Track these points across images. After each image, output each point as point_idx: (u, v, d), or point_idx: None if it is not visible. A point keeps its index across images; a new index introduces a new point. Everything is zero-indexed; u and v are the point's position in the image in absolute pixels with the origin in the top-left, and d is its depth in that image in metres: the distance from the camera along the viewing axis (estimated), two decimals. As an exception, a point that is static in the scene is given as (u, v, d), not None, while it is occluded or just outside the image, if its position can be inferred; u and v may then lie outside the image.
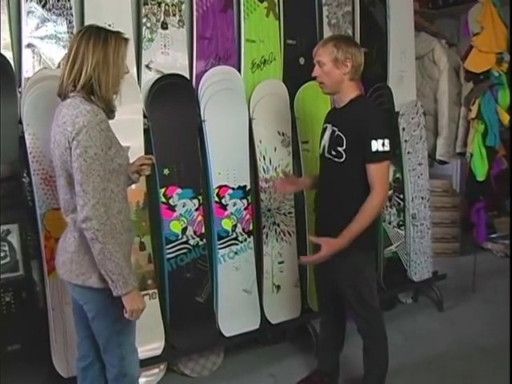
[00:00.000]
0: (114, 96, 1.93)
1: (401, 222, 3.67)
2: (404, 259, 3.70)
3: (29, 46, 2.47)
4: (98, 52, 1.83)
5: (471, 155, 3.80)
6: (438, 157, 4.18)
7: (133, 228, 2.05)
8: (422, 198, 3.75)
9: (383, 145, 2.23)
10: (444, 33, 4.45)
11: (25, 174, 2.50)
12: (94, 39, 1.84)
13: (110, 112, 1.91)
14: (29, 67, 2.48)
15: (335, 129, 2.35)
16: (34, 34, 2.47)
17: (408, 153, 3.65)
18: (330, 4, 3.35)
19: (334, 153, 2.34)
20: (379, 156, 2.23)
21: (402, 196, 3.66)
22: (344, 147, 2.29)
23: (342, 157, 2.31)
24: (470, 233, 4.32)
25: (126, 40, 1.93)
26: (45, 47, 2.50)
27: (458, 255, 4.93)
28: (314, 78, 2.41)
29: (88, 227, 1.75)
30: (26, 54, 2.47)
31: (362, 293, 2.42)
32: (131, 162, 2.13)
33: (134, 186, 2.62)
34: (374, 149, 2.22)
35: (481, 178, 3.79)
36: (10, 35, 2.42)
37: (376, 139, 2.22)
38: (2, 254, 2.38)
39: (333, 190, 2.36)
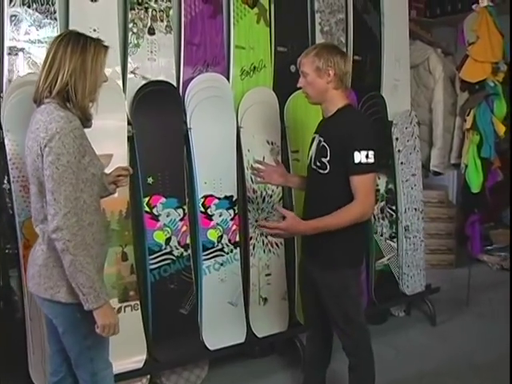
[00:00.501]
0: (91, 104, 1.90)
1: (393, 234, 3.63)
2: (396, 272, 3.67)
3: (11, 50, 2.44)
4: (76, 58, 1.80)
5: (466, 166, 3.77)
6: (432, 168, 4.14)
7: (106, 241, 2.01)
8: (415, 209, 3.71)
9: (367, 156, 2.17)
10: (440, 42, 4.43)
11: (5, 181, 2.46)
12: (73, 45, 1.81)
13: (85, 120, 1.89)
14: (11, 72, 2.45)
15: (321, 139, 2.31)
16: (17, 38, 2.44)
17: (401, 163, 3.62)
18: (322, 11, 3.32)
19: (318, 164, 2.30)
20: (362, 168, 2.17)
21: (394, 207, 3.62)
22: (328, 158, 2.25)
23: (326, 168, 2.26)
24: (465, 245, 4.27)
25: (106, 48, 1.90)
26: (28, 52, 2.47)
27: (453, 267, 4.89)
28: (295, 87, 2.40)
29: (59, 237, 1.72)
30: (8, 58, 2.44)
31: (347, 310, 2.37)
32: (110, 171, 2.10)
33: (116, 194, 2.58)
34: (356, 160, 2.16)
35: (476, 189, 3.75)
36: (-9, 39, 2.39)
37: (359, 150, 2.16)
38: (-21, 263, 2.35)
39: (317, 201, 2.32)
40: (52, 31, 2.49)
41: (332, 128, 2.29)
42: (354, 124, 2.27)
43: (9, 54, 2.44)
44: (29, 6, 2.45)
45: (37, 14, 2.47)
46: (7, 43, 2.43)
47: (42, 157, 1.74)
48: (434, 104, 4.08)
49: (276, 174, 2.64)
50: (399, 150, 3.60)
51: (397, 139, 3.59)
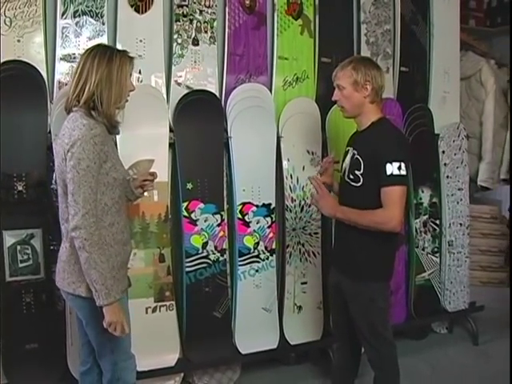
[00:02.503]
0: (117, 112, 2.08)
1: (436, 249, 3.67)
2: (437, 287, 3.70)
3: (62, 59, 2.67)
4: (102, 69, 1.99)
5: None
6: (479, 182, 4.15)
7: (129, 241, 2.19)
8: (461, 224, 3.74)
9: (399, 168, 2.23)
10: (495, 52, 4.41)
11: (53, 182, 2.68)
12: (100, 57, 2.00)
13: (112, 127, 2.07)
14: (61, 80, 2.68)
15: (355, 152, 2.40)
16: (68, 49, 2.68)
17: (447, 177, 3.66)
18: (368, 22, 3.42)
19: (352, 176, 2.39)
20: (394, 180, 2.24)
21: (438, 222, 3.66)
22: (361, 171, 2.33)
23: (359, 181, 2.35)
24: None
25: (131, 58, 2.09)
26: (77, 61, 2.68)
27: (505, 286, 4.82)
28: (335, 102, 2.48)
29: (77, 236, 1.90)
30: (60, 67, 2.68)
31: (374, 322, 2.44)
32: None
33: (156, 198, 2.81)
34: (388, 172, 2.23)
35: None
36: (44, 49, 2.63)
37: (391, 162, 2.23)
38: (25, 257, 2.59)
39: None
40: (101, 42, 2.70)
41: (365, 141, 2.38)
42: (386, 136, 2.34)
43: (60, 62, 2.67)
44: (79, 19, 2.68)
45: (86, 25, 2.70)
46: (58, 52, 2.67)
47: (65, 161, 1.93)
48: (485, 117, 4.09)
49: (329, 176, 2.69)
50: (445, 164, 3.65)
51: (443, 152, 3.64)
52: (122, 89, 2.05)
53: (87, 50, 2.09)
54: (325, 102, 3.23)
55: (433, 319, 3.80)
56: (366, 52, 3.41)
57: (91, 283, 1.93)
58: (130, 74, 2.10)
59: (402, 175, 2.25)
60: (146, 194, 2.36)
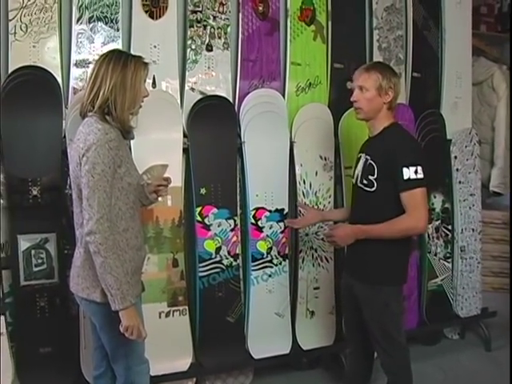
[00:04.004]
0: (131, 117, 2.05)
1: (448, 254, 3.61)
2: (450, 293, 3.64)
3: (77, 65, 2.66)
4: (117, 75, 1.97)
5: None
6: (491, 188, 4.09)
7: (143, 247, 2.16)
8: (473, 229, 3.69)
9: (416, 172, 2.22)
10: (506, 58, 4.35)
11: (68, 187, 2.66)
12: (114, 63, 1.98)
13: (126, 132, 2.04)
14: (76, 85, 2.66)
15: (367, 157, 2.37)
16: (83, 54, 2.66)
17: (459, 182, 3.61)
18: (381, 28, 3.38)
19: (365, 182, 2.36)
20: (412, 184, 2.22)
21: (450, 227, 3.61)
22: (375, 176, 2.31)
23: (373, 186, 2.32)
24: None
25: (146, 64, 2.06)
26: (91, 67, 2.67)
27: (517, 292, 4.76)
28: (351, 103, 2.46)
29: (92, 240, 1.87)
30: (75, 72, 2.66)
31: (387, 327, 2.40)
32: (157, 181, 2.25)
33: (169, 203, 2.78)
34: (405, 177, 2.21)
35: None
36: (60, 55, 2.62)
37: (408, 167, 2.22)
38: (39, 261, 2.57)
39: (364, 219, 2.36)
40: (115, 47, 2.68)
41: (379, 146, 2.35)
42: (400, 141, 2.33)
43: (75, 67, 2.65)
44: (94, 25, 2.66)
45: (101, 31, 2.68)
46: (74, 58, 2.65)
47: (80, 165, 1.91)
48: (497, 122, 4.04)
49: (309, 215, 2.72)
50: (457, 169, 3.60)
51: (455, 158, 3.59)
52: (136, 94, 2.02)
53: (102, 55, 2.07)
54: (337, 107, 3.22)
55: (445, 325, 3.74)
56: (378, 58, 3.38)
57: (106, 288, 1.90)
58: (145, 80, 2.07)
59: (420, 178, 2.24)
60: (160, 199, 2.33)
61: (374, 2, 3.35)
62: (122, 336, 1.95)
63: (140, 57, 2.07)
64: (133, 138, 2.12)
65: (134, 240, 2.04)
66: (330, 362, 3.34)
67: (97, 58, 2.60)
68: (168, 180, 2.26)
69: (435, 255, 3.56)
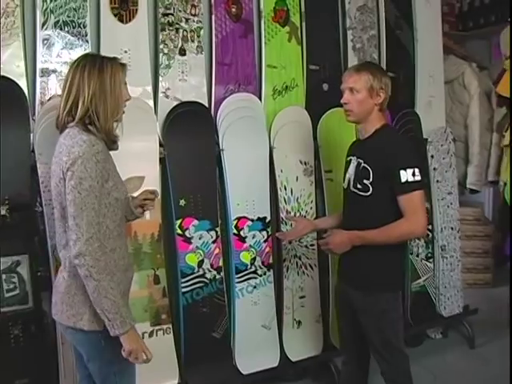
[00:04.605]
0: (115, 125, 1.86)
1: (429, 254, 3.51)
2: (432, 293, 3.55)
3: (43, 73, 2.43)
4: (94, 82, 1.76)
5: (505, 184, 3.63)
6: (468, 185, 4.01)
7: (131, 267, 1.96)
8: (452, 228, 3.60)
9: (413, 174, 2.10)
10: (474, 56, 4.30)
11: (38, 204, 2.44)
12: (89, 68, 1.77)
13: (111, 142, 1.84)
14: (44, 95, 2.44)
15: (360, 161, 2.23)
16: (50, 61, 2.44)
17: (437, 181, 3.51)
18: (354, 28, 3.25)
19: (359, 186, 2.22)
20: (410, 186, 2.10)
21: (430, 227, 3.50)
22: (370, 180, 2.17)
23: (368, 190, 2.18)
24: (503, 264, 4.12)
25: (123, 65, 1.87)
26: (60, 74, 2.46)
27: (491, 286, 4.72)
28: (340, 105, 2.33)
29: (81, 263, 1.67)
30: (41, 81, 2.43)
31: (387, 335, 2.28)
32: (137, 194, 2.06)
33: (148, 216, 2.58)
34: (403, 179, 2.09)
35: (515, 208, 3.62)
36: (24, 62, 2.38)
37: (405, 169, 2.10)
38: (11, 286, 2.33)
39: (359, 225, 2.21)
40: (83, 53, 2.45)
41: (372, 149, 2.21)
42: (396, 143, 2.21)
43: (41, 76, 2.43)
44: (61, 29, 2.45)
45: (69, 36, 2.47)
46: (39, 66, 2.42)
47: (64, 181, 1.71)
48: (470, 120, 3.95)
49: (301, 225, 2.54)
50: (435, 168, 3.50)
51: (432, 157, 3.50)
52: (118, 99, 1.82)
53: (74, 61, 1.86)
54: (314, 110, 3.08)
55: (429, 325, 3.63)
56: (353, 58, 3.25)
57: (103, 313, 1.69)
58: (125, 83, 1.87)
59: (418, 181, 2.12)
60: (147, 216, 2.13)
61: (346, 2, 3.22)
62: (112, 365, 1.78)
63: (115, 58, 1.87)
64: (117, 149, 1.90)
65: (122, 260, 1.84)
66: (317, 371, 3.18)
67: (64, 65, 2.45)
68: (155, 193, 2.07)
69: (417, 256, 3.46)
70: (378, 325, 2.26)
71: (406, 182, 2.10)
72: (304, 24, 3.07)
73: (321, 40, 3.14)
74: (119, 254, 1.82)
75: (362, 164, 2.22)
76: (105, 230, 1.75)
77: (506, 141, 3.61)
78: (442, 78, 3.63)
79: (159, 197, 2.13)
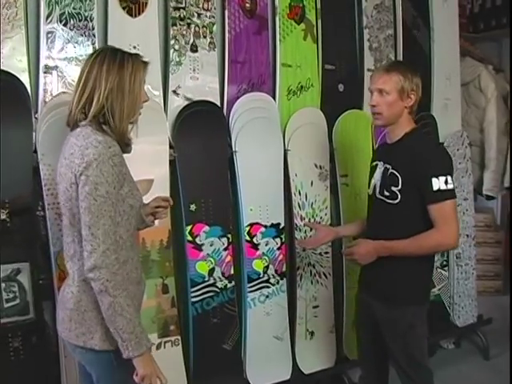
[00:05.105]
0: (130, 127, 1.67)
1: (444, 263, 3.34)
2: (447, 302, 3.37)
3: (47, 68, 2.23)
4: (113, 78, 1.58)
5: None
6: (485, 191, 3.82)
7: (142, 280, 1.77)
8: (467, 235, 3.42)
9: (446, 182, 1.93)
10: (491, 58, 4.12)
11: (39, 208, 2.25)
12: (109, 63, 1.59)
13: (124, 145, 1.66)
14: (47, 92, 2.24)
15: (388, 166, 2.05)
16: (53, 56, 2.24)
17: (453, 187, 3.32)
18: (371, 27, 3.07)
19: (387, 193, 2.03)
20: (442, 195, 1.93)
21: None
22: (399, 187, 1.99)
23: (396, 198, 2.00)
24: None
25: (145, 64, 1.68)
26: (65, 70, 2.26)
27: (501, 294, 4.54)
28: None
29: (97, 277, 1.49)
30: (45, 77, 2.23)
31: (412, 351, 2.11)
32: (149, 200, 1.87)
33: (156, 222, 2.36)
34: (435, 187, 1.92)
35: (533, 215, 3.44)
36: (27, 57, 2.18)
37: (437, 176, 1.92)
38: (11, 296, 2.14)
39: (385, 236, 2.04)
40: (90, 48, 2.28)
41: (402, 154, 2.03)
42: (428, 148, 2.03)
43: (45, 72, 2.23)
44: (66, 23, 2.24)
45: (74, 30, 2.26)
46: (43, 62, 2.22)
47: (76, 186, 1.53)
48: (487, 124, 3.77)
49: (322, 233, 2.38)
50: (451, 174, 3.31)
51: (448, 161, 3.30)
52: (136, 100, 1.64)
53: (93, 53, 1.68)
54: (329, 111, 2.89)
55: (444, 335, 3.45)
56: (369, 58, 3.07)
57: (117, 332, 1.51)
58: (144, 81, 1.68)
59: (450, 189, 1.95)
60: (156, 222, 1.94)
61: (363, 0, 3.03)
62: None
63: (138, 55, 1.68)
64: (130, 152, 1.72)
65: (134, 272, 1.66)
66: (330, 383, 3.00)
67: (68, 61, 2.25)
68: (168, 201, 1.89)
69: (432, 264, 3.26)
70: (404, 340, 2.09)
71: (439, 190, 1.93)
72: (320, 22, 2.88)
73: (337, 39, 2.96)
74: (131, 265, 1.64)
75: (390, 170, 2.04)
76: (118, 239, 1.57)
77: (526, 146, 3.44)
78: (458, 80, 3.46)
79: (171, 203, 1.92)
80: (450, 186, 1.94)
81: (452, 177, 1.96)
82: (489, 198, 3.93)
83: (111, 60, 1.60)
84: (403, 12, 3.17)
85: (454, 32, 3.45)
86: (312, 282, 2.84)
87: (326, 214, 2.86)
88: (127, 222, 1.61)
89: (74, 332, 1.61)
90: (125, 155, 1.68)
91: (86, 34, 2.30)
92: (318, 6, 2.88)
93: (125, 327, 1.51)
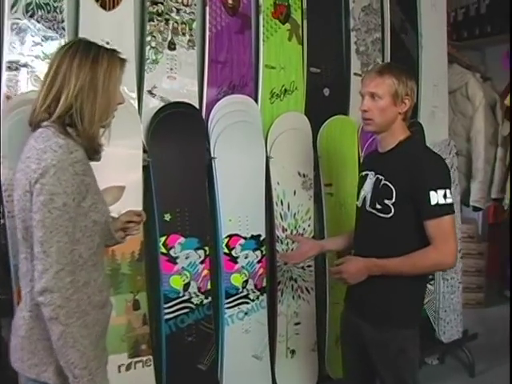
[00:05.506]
0: (101, 131, 1.47)
1: (431, 276, 3.18)
2: (432, 317, 3.22)
3: (11, 64, 2.02)
4: (84, 74, 1.39)
5: (511, 202, 3.32)
6: (472, 203, 3.68)
7: (109, 301, 1.56)
8: (454, 248, 3.27)
9: (445, 196, 1.76)
10: (478, 66, 4.00)
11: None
12: (81, 57, 1.40)
13: (93, 152, 1.46)
14: (11, 89, 2.02)
15: (380, 177, 1.88)
16: (19, 51, 2.02)
17: (440, 198, 3.18)
18: (358, 29, 2.91)
19: (378, 206, 1.86)
20: (440, 210, 1.76)
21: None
22: (393, 200, 1.82)
23: (389, 211, 1.83)
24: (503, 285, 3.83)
25: (123, 61, 1.50)
26: (31, 66, 2.05)
27: (483, 306, 4.43)
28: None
29: (47, 302, 1.29)
30: (7, 73, 2.01)
31: (403, 375, 1.93)
32: (120, 214, 1.68)
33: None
34: (433, 201, 1.75)
35: (522, 227, 3.31)
36: (-13, 52, 1.97)
37: (435, 190, 1.76)
38: (-35, 312, 1.93)
39: (376, 252, 1.86)
40: (59, 43, 2.06)
41: (396, 164, 1.86)
42: (425, 159, 1.86)
43: (8, 68, 2.01)
44: (32, 14, 2.03)
45: (42, 22, 2.05)
46: (7, 57, 2.01)
47: (30, 195, 1.32)
48: (474, 133, 3.63)
49: (306, 246, 2.18)
50: (437, 184, 3.17)
51: (435, 171, 3.16)
52: (110, 100, 1.45)
53: (64, 45, 1.48)
54: (314, 116, 2.72)
55: (428, 353, 3.30)
56: (356, 62, 2.90)
57: (67, 366, 1.32)
58: (120, 81, 1.49)
59: (449, 204, 1.78)
60: (127, 238, 1.74)
61: (350, 1, 2.87)
62: None
63: (114, 50, 1.49)
64: (99, 160, 1.52)
65: (98, 295, 1.45)
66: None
67: (34, 57, 2.05)
68: (141, 215, 1.69)
69: (418, 278, 3.12)
70: (395, 364, 1.92)
71: (437, 204, 1.76)
72: (305, 22, 2.72)
73: (323, 40, 2.79)
74: (94, 288, 1.44)
75: (383, 181, 1.86)
76: (77, 259, 1.37)
77: (516, 157, 3.31)
78: (446, 87, 3.32)
79: (145, 219, 1.72)
80: (449, 200, 1.78)
81: (451, 190, 1.80)
82: (476, 209, 3.80)
83: (84, 54, 1.41)
84: (391, 15, 3.02)
85: (442, 37, 3.32)
86: (294, 298, 2.66)
87: (309, 226, 2.69)
88: (89, 239, 1.41)
89: (27, 363, 1.40)
90: (92, 162, 1.49)
91: (55, 26, 2.08)
92: (304, 5, 2.71)
93: (77, 361, 1.31)
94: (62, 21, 2.09)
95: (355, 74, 2.89)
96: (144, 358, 2.27)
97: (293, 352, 2.67)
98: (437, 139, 3.22)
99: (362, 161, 2.10)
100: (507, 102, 3.30)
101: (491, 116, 3.67)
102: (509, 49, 3.37)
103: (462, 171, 3.69)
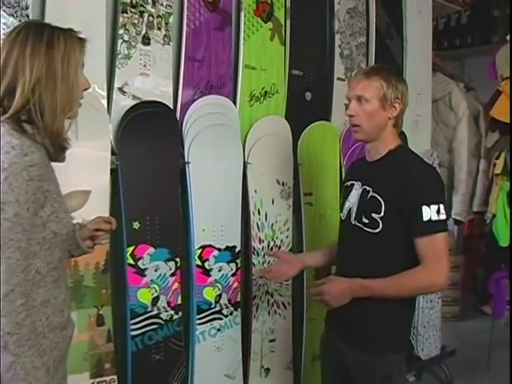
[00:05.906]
0: (66, 124, 1.28)
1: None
2: (412, 333, 3.08)
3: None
4: (40, 62, 1.21)
5: (493, 216, 3.21)
6: (453, 215, 3.57)
7: (70, 321, 1.38)
8: (435, 262, 3.15)
9: (438, 212, 1.61)
10: (462, 75, 3.91)
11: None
12: (33, 43, 1.22)
13: (58, 150, 1.28)
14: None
15: (368, 188, 1.72)
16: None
17: (421, 210, 3.05)
18: (342, 32, 2.76)
19: (365, 220, 1.70)
20: (433, 227, 1.61)
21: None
22: (381, 214, 1.66)
23: (377, 226, 1.67)
24: (484, 302, 3.73)
25: (82, 41, 1.32)
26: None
27: (458, 320, 4.33)
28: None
29: None
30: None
31: (388, 404, 1.78)
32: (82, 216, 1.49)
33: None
34: (425, 217, 1.60)
35: (504, 243, 3.18)
36: None
37: (428, 205, 1.61)
38: None
39: (359, 271, 1.70)
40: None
41: (385, 175, 1.71)
42: (417, 170, 1.71)
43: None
44: (-6, 0, 1.83)
45: (3, 8, 1.84)
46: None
47: None
48: (457, 144, 3.52)
49: (287, 265, 1.97)
50: (419, 195, 3.04)
51: (417, 182, 3.03)
52: (72, 88, 1.27)
53: (12, 31, 1.29)
54: (295, 122, 2.56)
55: (408, 370, 3.15)
56: (340, 66, 2.76)
57: None
58: (82, 65, 1.31)
59: (442, 220, 1.63)
60: (96, 247, 1.55)
61: (335, 2, 2.73)
62: None
63: (71, 30, 1.32)
64: (63, 160, 1.33)
65: (58, 316, 1.28)
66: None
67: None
68: (111, 223, 1.50)
69: (397, 293, 2.98)
70: (380, 393, 1.76)
71: (430, 220, 1.61)
72: (288, 22, 2.56)
73: (306, 42, 2.63)
74: (54, 307, 1.26)
75: (371, 193, 1.71)
76: (34, 275, 1.18)
77: (498, 169, 3.19)
78: (429, 96, 3.21)
79: (115, 227, 1.53)
80: (443, 217, 1.63)
81: (445, 205, 1.65)
82: (457, 222, 3.68)
83: (37, 39, 1.23)
84: (377, 19, 2.88)
85: (428, 45, 3.21)
86: (269, 313, 2.49)
87: (287, 237, 2.52)
88: (48, 253, 1.23)
89: None
90: (55, 164, 1.30)
91: (18, 14, 1.88)
92: (288, 4, 2.55)
93: None
94: (26, 7, 1.89)
95: (339, 78, 2.74)
96: (107, 379, 2.07)
97: (267, 370, 2.50)
98: (419, 149, 3.05)
99: (346, 170, 1.93)
100: (493, 113, 3.18)
101: (474, 127, 3.57)
102: (493, 59, 3.25)
103: (445, 183, 3.58)
